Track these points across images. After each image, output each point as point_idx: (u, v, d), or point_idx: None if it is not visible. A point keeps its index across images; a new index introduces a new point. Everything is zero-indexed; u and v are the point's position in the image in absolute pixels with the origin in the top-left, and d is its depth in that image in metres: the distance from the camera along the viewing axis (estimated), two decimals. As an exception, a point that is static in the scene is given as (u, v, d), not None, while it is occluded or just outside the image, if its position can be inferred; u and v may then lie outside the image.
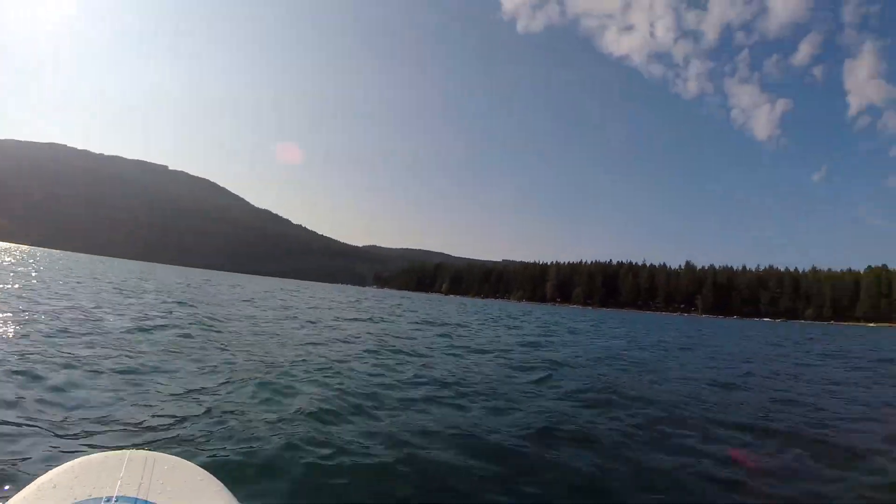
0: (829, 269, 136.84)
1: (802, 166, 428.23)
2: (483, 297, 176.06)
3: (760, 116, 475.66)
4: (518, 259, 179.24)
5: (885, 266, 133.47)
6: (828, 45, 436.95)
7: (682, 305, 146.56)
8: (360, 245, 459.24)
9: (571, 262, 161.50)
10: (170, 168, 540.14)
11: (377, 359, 7.29)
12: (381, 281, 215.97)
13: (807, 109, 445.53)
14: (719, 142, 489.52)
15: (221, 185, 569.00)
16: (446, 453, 3.39)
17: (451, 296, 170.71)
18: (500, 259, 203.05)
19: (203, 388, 4.53)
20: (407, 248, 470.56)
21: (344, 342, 9.16)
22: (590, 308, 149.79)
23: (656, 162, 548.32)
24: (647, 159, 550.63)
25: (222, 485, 1.31)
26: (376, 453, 3.24)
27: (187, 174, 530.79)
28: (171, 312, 11.18)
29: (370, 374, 5.99)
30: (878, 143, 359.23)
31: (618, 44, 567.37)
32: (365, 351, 7.99)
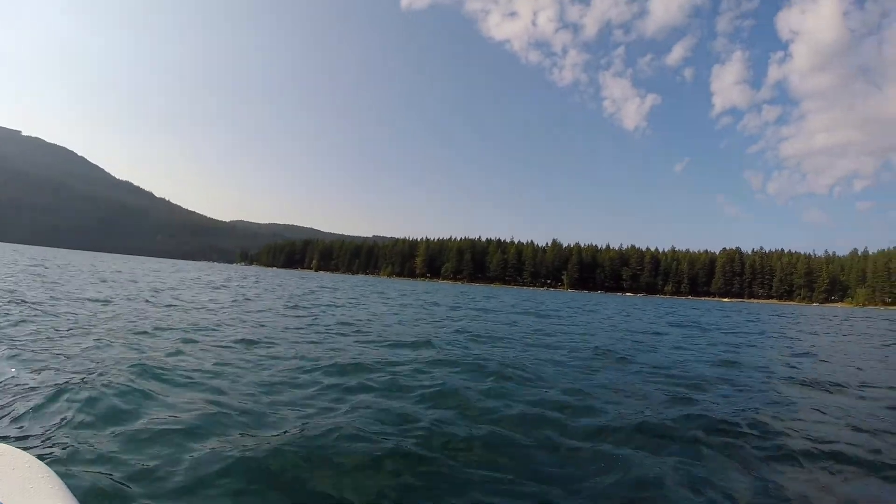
0: (688, 250, 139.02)
1: (666, 156, 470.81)
2: (353, 273, 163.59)
3: (630, 108, 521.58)
4: (388, 235, 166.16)
5: (738, 248, 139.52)
6: (700, 49, 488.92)
7: (549, 281, 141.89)
8: (228, 220, 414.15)
9: (441, 238, 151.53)
10: (23, 134, 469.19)
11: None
12: (249, 258, 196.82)
13: (674, 106, 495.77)
14: (589, 129, 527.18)
15: (80, 154, 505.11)
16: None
17: (321, 273, 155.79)
18: (370, 235, 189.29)
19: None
20: (276, 224, 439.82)
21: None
22: (459, 283, 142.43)
23: (529, 143, 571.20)
24: (519, 140, 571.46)
25: (58, 478, 1.23)
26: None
27: (43, 141, 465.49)
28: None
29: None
30: (737, 141, 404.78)
31: (500, 28, 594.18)
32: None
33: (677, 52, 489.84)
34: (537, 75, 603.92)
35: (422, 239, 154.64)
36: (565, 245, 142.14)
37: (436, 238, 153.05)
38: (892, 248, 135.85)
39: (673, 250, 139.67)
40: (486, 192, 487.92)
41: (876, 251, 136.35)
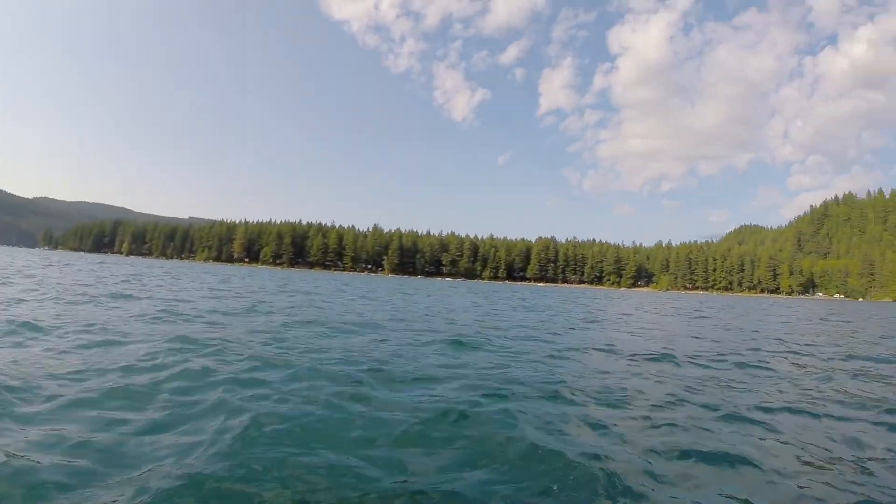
0: (506, 238, 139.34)
1: (491, 149, 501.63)
2: (167, 258, 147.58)
3: (460, 100, 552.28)
4: (207, 217, 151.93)
5: (553, 237, 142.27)
6: (534, 52, 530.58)
7: (369, 266, 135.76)
8: (31, 197, 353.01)
9: (261, 221, 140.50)
10: None
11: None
12: (53, 241, 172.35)
13: (502, 102, 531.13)
14: (419, 117, 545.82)
15: None
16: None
17: (133, 257, 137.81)
18: (186, 217, 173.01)
19: None
20: (84, 202, 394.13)
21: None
22: (279, 268, 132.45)
23: (356, 127, 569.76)
24: (347, 123, 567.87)
25: None
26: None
27: None
28: None
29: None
30: (558, 140, 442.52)
31: (341, 8, 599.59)
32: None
33: (512, 52, 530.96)
34: (373, 60, 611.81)
35: (240, 222, 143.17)
36: (386, 230, 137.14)
37: (255, 221, 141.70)
38: (691, 241, 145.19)
39: (491, 238, 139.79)
40: (310, 174, 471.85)
41: (678, 244, 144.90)
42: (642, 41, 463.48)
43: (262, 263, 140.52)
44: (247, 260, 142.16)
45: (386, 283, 51.45)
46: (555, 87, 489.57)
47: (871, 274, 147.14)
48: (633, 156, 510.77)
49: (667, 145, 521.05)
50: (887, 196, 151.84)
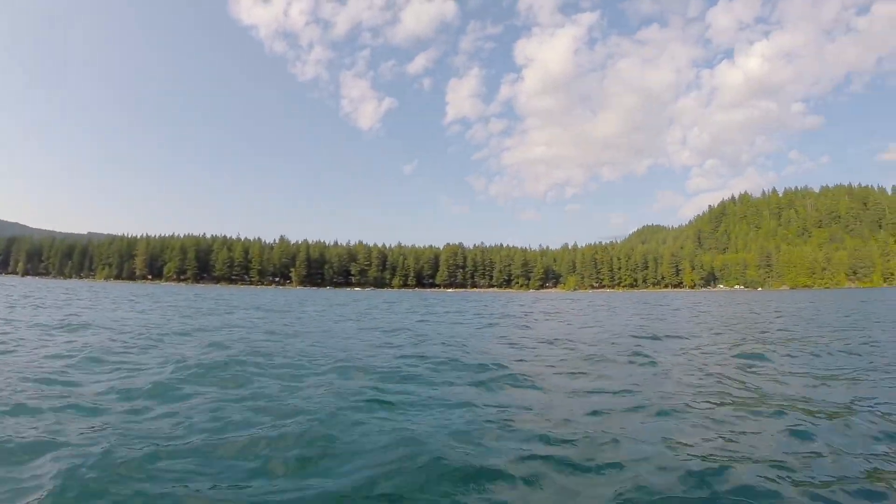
0: (414, 245, 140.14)
1: (397, 158, 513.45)
2: (65, 277, 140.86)
3: (367, 109, 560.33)
4: (106, 231, 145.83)
5: (460, 244, 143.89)
6: (441, 62, 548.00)
7: (277, 279, 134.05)
8: None
9: (163, 235, 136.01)
10: None
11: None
12: None
13: (409, 111, 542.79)
14: (325, 126, 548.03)
15: None
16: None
17: (28, 278, 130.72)
18: (85, 232, 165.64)
19: None
20: None
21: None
22: (183, 284, 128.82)
23: (261, 136, 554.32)
24: (252, 132, 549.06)
25: None
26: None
27: None
28: None
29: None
30: (464, 148, 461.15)
31: (251, 12, 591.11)
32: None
33: (420, 62, 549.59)
34: (279, 67, 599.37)
35: (142, 236, 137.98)
36: (293, 242, 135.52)
37: (157, 235, 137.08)
38: (595, 242, 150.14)
39: (400, 246, 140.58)
40: (213, 184, 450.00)
41: (583, 245, 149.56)
42: (548, 54, 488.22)
43: (166, 280, 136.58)
44: (150, 277, 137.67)
45: (289, 296, 50.20)
46: (461, 97, 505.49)
47: (768, 265, 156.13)
48: (537, 163, 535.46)
49: (570, 153, 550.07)
50: (781, 194, 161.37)
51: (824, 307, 28.08)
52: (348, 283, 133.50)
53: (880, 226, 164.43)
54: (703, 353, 9.24)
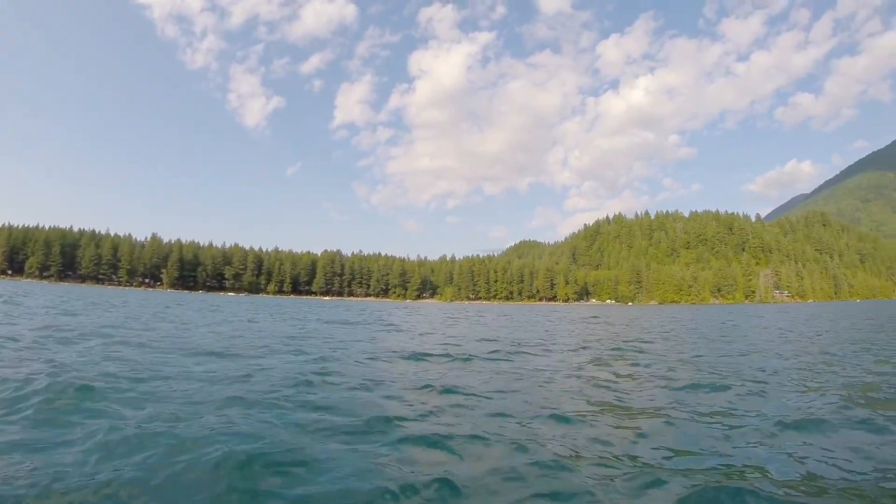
0: (291, 250, 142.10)
1: (281, 159, 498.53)
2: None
3: (254, 106, 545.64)
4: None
5: (338, 251, 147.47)
6: (335, 65, 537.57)
7: (147, 280, 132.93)
8: None
9: (27, 225, 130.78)
10: None
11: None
12: None
13: (296, 112, 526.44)
14: (209, 119, 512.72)
15: None
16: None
17: None
18: None
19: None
20: None
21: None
22: (46, 282, 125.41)
23: (139, 125, 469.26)
24: (128, 119, 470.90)
25: None
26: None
27: None
28: None
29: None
30: (349, 154, 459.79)
31: None
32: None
33: (313, 62, 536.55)
34: (168, 52, 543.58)
35: (2, 226, 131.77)
36: (166, 241, 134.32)
37: (20, 225, 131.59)
38: (474, 255, 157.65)
39: (276, 250, 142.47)
40: (83, 173, 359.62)
41: (462, 257, 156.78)
42: (441, 67, 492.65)
43: (27, 276, 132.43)
44: (10, 273, 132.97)
45: (156, 299, 45.62)
46: (351, 102, 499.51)
47: (639, 282, 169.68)
48: (421, 173, 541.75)
49: (454, 165, 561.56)
50: (653, 217, 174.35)
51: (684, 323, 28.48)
52: (222, 288, 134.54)
53: (743, 249, 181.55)
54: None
